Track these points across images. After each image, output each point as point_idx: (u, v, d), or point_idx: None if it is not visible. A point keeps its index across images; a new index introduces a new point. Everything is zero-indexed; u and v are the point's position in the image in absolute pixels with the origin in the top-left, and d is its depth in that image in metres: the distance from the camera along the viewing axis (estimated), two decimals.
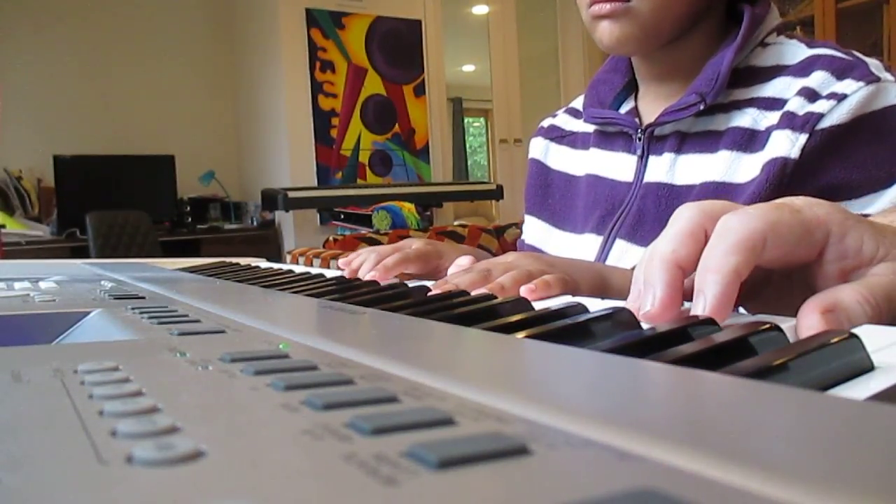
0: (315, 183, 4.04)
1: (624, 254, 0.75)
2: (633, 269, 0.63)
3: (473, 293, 0.51)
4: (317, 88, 4.05)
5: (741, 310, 0.40)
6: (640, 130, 0.77)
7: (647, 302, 0.35)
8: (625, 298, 0.59)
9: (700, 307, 0.32)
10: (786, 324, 0.31)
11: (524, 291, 0.49)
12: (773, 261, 0.33)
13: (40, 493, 0.13)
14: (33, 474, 0.14)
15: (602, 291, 0.59)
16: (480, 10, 5.21)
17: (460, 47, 5.48)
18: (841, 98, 0.63)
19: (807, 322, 0.31)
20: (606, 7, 0.71)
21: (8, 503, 0.12)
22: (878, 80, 0.63)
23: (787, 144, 0.64)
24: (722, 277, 0.32)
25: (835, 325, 0.31)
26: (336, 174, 4.12)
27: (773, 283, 0.34)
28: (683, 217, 0.36)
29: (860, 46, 0.69)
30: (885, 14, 3.07)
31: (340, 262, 0.72)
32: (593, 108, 0.84)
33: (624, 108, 0.82)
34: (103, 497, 0.13)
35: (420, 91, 4.36)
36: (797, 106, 0.65)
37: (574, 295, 0.51)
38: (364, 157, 4.21)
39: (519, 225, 0.98)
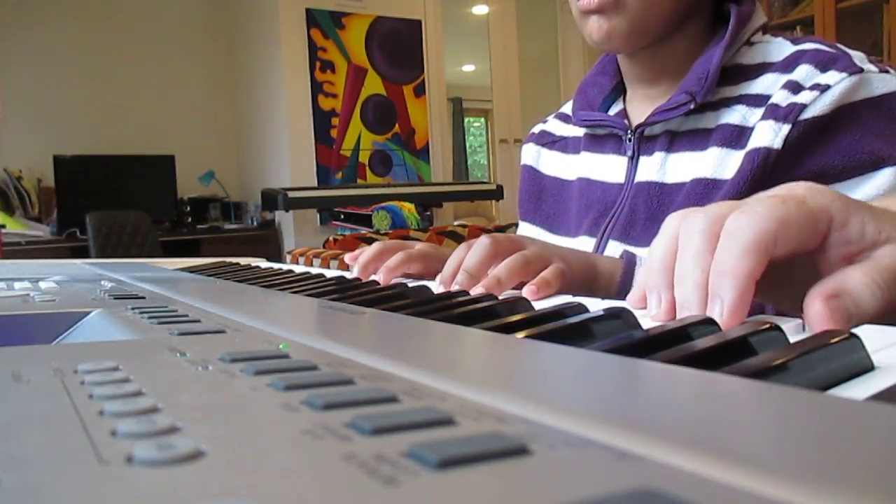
0: (315, 183, 4.04)
1: (617, 254, 0.75)
2: (621, 256, 0.64)
3: (473, 293, 0.51)
4: (317, 88, 4.05)
5: None
6: (629, 131, 0.77)
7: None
8: (613, 283, 0.60)
9: (717, 312, 0.32)
10: (786, 324, 0.31)
11: (525, 292, 0.49)
12: (781, 255, 0.34)
13: (40, 493, 0.13)
14: (33, 474, 0.14)
15: (591, 274, 0.61)
16: (480, 10, 5.21)
17: (460, 47, 5.48)
18: (824, 89, 0.63)
19: (812, 309, 0.31)
20: (595, 1, 0.71)
21: (8, 503, 0.12)
22: (860, 70, 0.64)
23: (770, 135, 0.64)
24: (737, 281, 0.32)
25: (840, 311, 0.31)
26: (336, 174, 4.12)
27: (773, 269, 0.34)
28: (696, 230, 0.35)
29: (860, 46, 0.69)
30: (885, 14, 3.07)
31: (347, 257, 0.72)
32: (583, 112, 0.84)
33: (613, 111, 0.83)
34: (103, 497, 0.13)
35: (420, 91, 4.36)
36: (781, 98, 0.66)
37: (569, 282, 0.53)
38: (364, 157, 4.21)
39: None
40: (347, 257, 0.72)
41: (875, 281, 0.32)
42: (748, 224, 0.33)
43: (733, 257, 0.32)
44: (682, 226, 0.37)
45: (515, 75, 4.92)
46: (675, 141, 0.74)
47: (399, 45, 4.28)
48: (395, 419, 0.16)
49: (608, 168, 0.81)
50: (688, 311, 0.35)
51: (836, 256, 0.34)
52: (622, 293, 0.40)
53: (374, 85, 4.21)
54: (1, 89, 3.36)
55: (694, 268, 0.35)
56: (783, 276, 0.37)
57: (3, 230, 3.26)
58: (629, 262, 0.62)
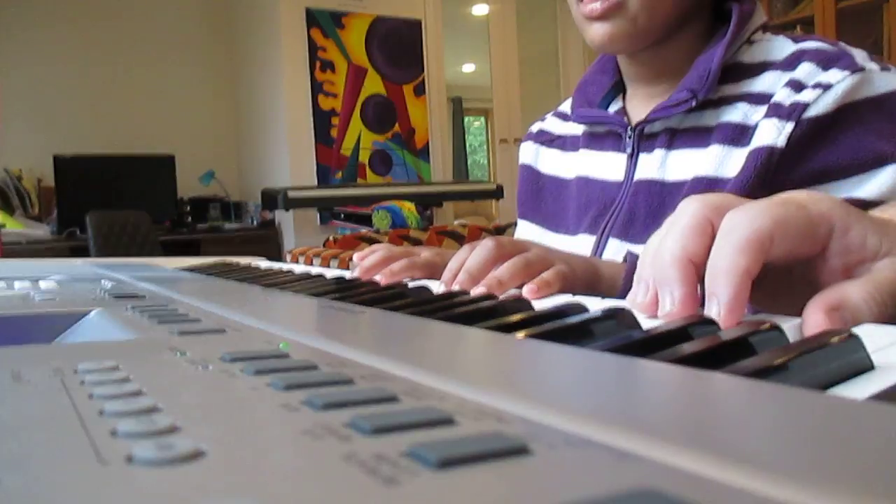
0: (315, 182, 4.04)
1: (618, 252, 0.75)
2: (624, 260, 0.64)
3: (473, 293, 0.51)
4: (317, 88, 4.05)
5: None
6: (629, 129, 0.77)
7: (665, 303, 0.35)
8: (615, 287, 0.60)
9: (714, 310, 0.32)
10: (786, 323, 0.31)
11: (526, 292, 0.50)
12: (778, 257, 0.33)
13: (40, 493, 0.13)
14: (33, 474, 0.14)
15: (594, 278, 0.60)
16: (480, 10, 5.21)
17: (460, 47, 5.48)
18: (826, 87, 0.63)
19: (812, 320, 0.31)
20: (598, 9, 0.71)
21: (8, 503, 0.12)
22: (862, 69, 0.64)
23: (773, 133, 0.64)
24: (733, 279, 0.32)
25: (839, 324, 0.31)
26: (336, 174, 4.12)
27: (770, 276, 0.34)
28: (687, 212, 0.36)
29: (860, 46, 0.69)
30: (885, 14, 3.07)
31: (355, 256, 0.72)
32: (582, 109, 0.84)
33: (612, 109, 0.83)
34: (103, 497, 0.13)
35: (420, 91, 4.36)
36: (784, 96, 0.66)
37: (571, 285, 0.53)
38: (364, 157, 4.21)
39: None
40: (356, 256, 0.72)
41: (873, 297, 0.32)
42: (743, 221, 0.33)
43: (728, 255, 0.32)
44: (676, 211, 0.37)
45: (515, 75, 4.92)
46: (675, 138, 0.74)
47: (399, 45, 4.28)
48: (395, 419, 0.16)
49: (607, 166, 0.81)
50: (664, 287, 0.34)
51: (837, 265, 0.34)
52: (624, 296, 0.40)
53: (374, 85, 4.21)
54: (1, 89, 3.36)
55: (674, 243, 0.35)
56: (783, 283, 0.37)
57: (3, 230, 3.25)
58: (632, 265, 0.62)
